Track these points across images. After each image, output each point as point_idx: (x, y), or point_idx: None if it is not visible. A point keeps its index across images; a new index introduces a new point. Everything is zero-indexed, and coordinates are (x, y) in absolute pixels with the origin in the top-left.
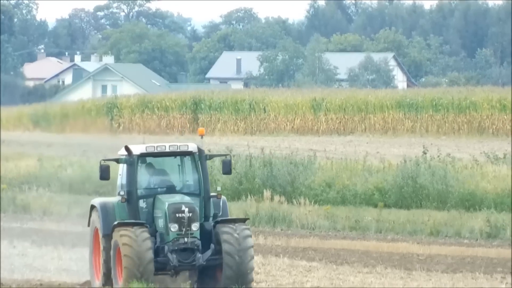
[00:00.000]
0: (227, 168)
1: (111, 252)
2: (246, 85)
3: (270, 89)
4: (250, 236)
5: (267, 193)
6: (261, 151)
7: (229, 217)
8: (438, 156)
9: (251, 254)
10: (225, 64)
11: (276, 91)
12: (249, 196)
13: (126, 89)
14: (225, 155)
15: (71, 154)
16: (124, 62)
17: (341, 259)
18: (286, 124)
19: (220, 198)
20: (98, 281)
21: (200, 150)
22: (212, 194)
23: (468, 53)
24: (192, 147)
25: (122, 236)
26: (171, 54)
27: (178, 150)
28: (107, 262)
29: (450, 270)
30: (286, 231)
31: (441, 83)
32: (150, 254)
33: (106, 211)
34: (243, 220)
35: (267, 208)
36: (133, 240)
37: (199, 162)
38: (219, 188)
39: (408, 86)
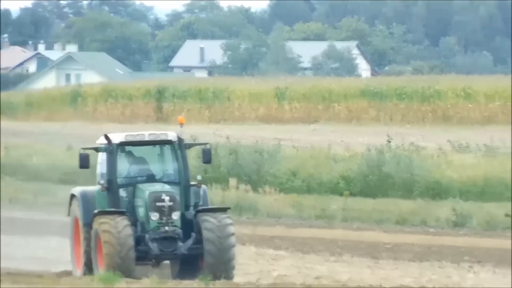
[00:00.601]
0: (207, 157)
1: (92, 241)
2: (209, 73)
3: (233, 77)
4: (232, 224)
5: (232, 182)
6: (226, 139)
7: (210, 206)
8: (403, 145)
9: (233, 242)
10: (188, 53)
11: (239, 79)
12: (214, 185)
13: (90, 78)
14: (205, 143)
15: (37, 142)
16: (87, 51)
17: (307, 248)
18: (251, 113)
19: (201, 187)
20: (79, 271)
21: (179, 139)
22: (192, 182)
23: (432, 41)
24: (172, 135)
25: (102, 225)
26: (135, 43)
27: (158, 139)
28: (88, 252)
29: (417, 259)
30: (252, 220)
31: (405, 72)
32: (131, 243)
33: (86, 200)
34: (224, 209)
35: (233, 197)
36: (113, 229)
37: (178, 150)
38: (199, 177)
39: (371, 74)
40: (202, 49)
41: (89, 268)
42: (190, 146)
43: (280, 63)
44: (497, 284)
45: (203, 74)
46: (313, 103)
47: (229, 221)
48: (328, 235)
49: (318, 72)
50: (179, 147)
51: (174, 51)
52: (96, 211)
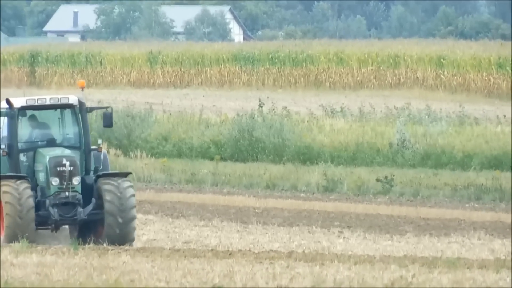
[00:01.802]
0: (108, 121)
1: None
2: (83, 38)
3: (106, 42)
4: (134, 195)
5: (103, 146)
6: (97, 104)
7: (110, 171)
8: (274, 110)
9: (134, 214)
10: (62, 17)
11: (112, 44)
12: None
13: None
14: (106, 107)
15: None
16: None
17: (177, 212)
18: (123, 77)
19: (101, 152)
20: None
21: (81, 103)
22: (92, 147)
23: (305, 6)
24: (73, 99)
25: (3, 191)
26: (10, 8)
27: (59, 102)
28: None
29: (286, 224)
30: None
31: (278, 37)
32: (31, 203)
33: None
34: (124, 175)
35: None
36: (14, 194)
37: (79, 114)
38: (100, 141)
39: (244, 39)
40: (75, 13)
41: None
42: (91, 110)
43: (153, 28)
44: (366, 250)
45: (76, 38)
46: (186, 68)
47: (129, 186)
48: (197, 200)
49: (190, 37)
50: (80, 111)
51: (48, 16)
52: None
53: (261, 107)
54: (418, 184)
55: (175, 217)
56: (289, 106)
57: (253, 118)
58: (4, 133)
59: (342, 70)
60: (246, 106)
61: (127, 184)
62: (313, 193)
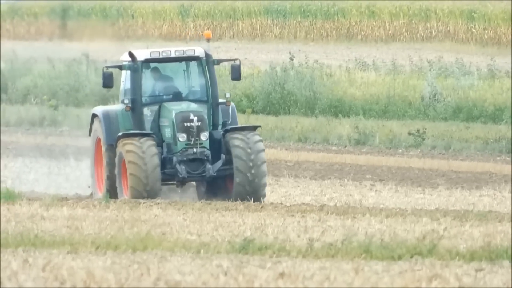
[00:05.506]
0: (236, 74)
1: (116, 166)
2: None
3: None
4: (262, 142)
5: None
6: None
7: (238, 125)
8: (306, 63)
9: (263, 159)
10: None
11: None
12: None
13: None
14: (234, 59)
15: None
16: None
17: None
18: (154, 30)
19: (229, 106)
20: (101, 193)
21: (207, 55)
22: (220, 101)
23: None
24: (199, 51)
25: (127, 146)
26: None
27: (185, 55)
28: (110, 178)
29: (318, 177)
30: None
31: None
32: (156, 161)
33: (109, 120)
34: (253, 128)
35: None
36: (138, 149)
37: (206, 67)
38: (228, 95)
39: None
40: None
41: (111, 194)
42: (218, 62)
43: None
44: (398, 203)
45: None
46: (217, 21)
47: (258, 138)
48: None
49: None
50: (206, 63)
51: None
52: (120, 133)
53: (292, 60)
54: (449, 137)
55: None
56: (321, 59)
57: (285, 71)
58: (127, 87)
59: (374, 23)
60: (277, 59)
61: (255, 136)
62: (345, 146)
